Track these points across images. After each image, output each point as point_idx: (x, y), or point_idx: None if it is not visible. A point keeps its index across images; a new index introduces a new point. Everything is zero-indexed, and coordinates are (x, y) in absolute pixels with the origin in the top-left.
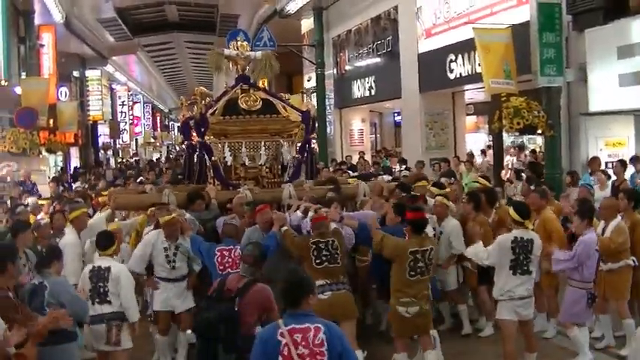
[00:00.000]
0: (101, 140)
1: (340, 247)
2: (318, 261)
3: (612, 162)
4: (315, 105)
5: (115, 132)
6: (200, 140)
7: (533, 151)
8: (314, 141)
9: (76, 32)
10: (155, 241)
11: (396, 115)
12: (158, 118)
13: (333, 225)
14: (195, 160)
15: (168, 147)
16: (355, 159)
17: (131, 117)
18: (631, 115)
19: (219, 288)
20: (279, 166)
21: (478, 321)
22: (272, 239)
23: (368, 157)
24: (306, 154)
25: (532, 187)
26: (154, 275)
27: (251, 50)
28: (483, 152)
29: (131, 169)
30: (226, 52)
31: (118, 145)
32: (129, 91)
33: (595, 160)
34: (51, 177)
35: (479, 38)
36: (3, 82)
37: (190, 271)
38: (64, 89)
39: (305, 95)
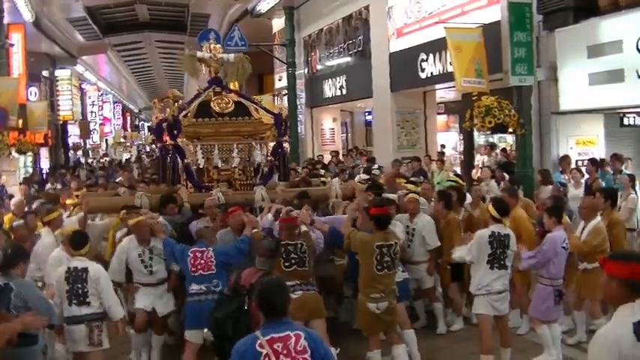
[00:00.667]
0: (71, 140)
1: (308, 251)
2: (287, 264)
3: (582, 160)
4: (287, 105)
5: (86, 132)
6: (173, 142)
7: (504, 150)
8: (286, 143)
9: (45, 31)
10: (128, 247)
11: (366, 114)
12: (128, 117)
13: (303, 227)
14: (168, 162)
15: (138, 147)
16: (327, 158)
17: (101, 117)
18: (601, 114)
19: (234, 284)
20: (252, 169)
21: (446, 316)
22: (245, 242)
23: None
24: (278, 156)
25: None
26: (133, 282)
27: (224, 52)
28: (443, 146)
29: (103, 169)
30: (199, 54)
31: (88, 146)
32: (99, 91)
33: (565, 159)
34: (21, 178)
35: (450, 37)
36: None
37: (169, 272)
38: (33, 89)
39: (277, 97)
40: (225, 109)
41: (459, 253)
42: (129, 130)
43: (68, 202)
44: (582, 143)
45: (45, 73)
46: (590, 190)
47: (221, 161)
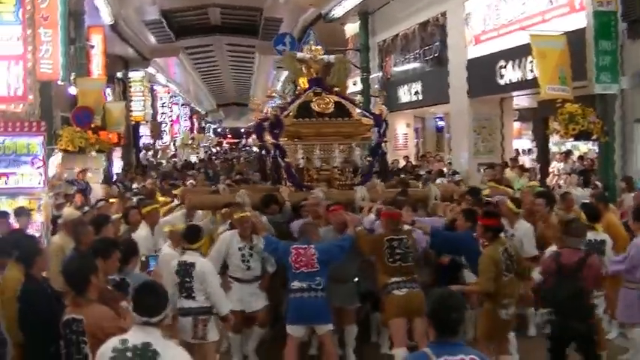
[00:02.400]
0: (142, 141)
1: (413, 246)
2: (391, 259)
3: None
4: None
5: (157, 133)
6: (274, 142)
7: (581, 158)
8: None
9: (121, 34)
10: (230, 240)
11: (437, 120)
12: (195, 120)
13: (405, 227)
14: (269, 161)
15: (204, 149)
16: (402, 163)
17: (171, 118)
18: None
19: (557, 265)
20: (351, 169)
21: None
22: (347, 240)
23: (413, 160)
24: (377, 157)
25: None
26: (228, 275)
27: (325, 54)
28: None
29: (179, 170)
30: (299, 55)
31: (157, 146)
32: (169, 93)
33: None
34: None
35: (535, 45)
36: (60, 82)
37: (264, 272)
38: (108, 90)
39: (377, 98)
40: (325, 110)
41: None
42: (195, 132)
43: (161, 199)
44: None
45: (119, 74)
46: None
47: (321, 161)
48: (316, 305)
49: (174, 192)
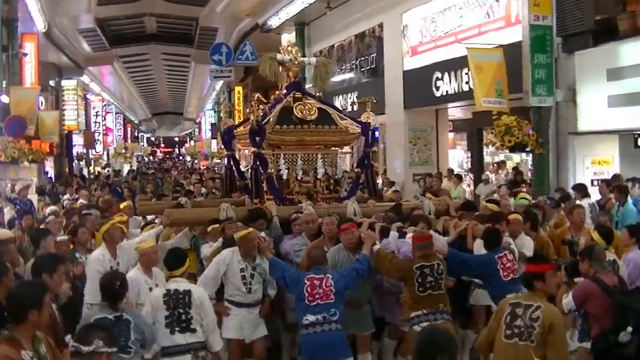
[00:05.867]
0: (75, 150)
1: (445, 272)
2: (421, 288)
3: (598, 180)
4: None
5: (90, 142)
6: (256, 151)
7: (516, 168)
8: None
9: (55, 42)
10: (230, 260)
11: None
12: (129, 128)
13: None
14: (250, 172)
15: (137, 158)
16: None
17: (104, 127)
18: (616, 135)
19: (604, 289)
20: (333, 180)
21: None
22: (364, 262)
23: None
24: (365, 168)
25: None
26: (224, 299)
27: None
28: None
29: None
30: (279, 57)
31: (90, 156)
32: (103, 102)
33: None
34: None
35: (472, 57)
36: None
37: (265, 295)
38: (40, 98)
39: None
40: (307, 116)
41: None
42: (129, 141)
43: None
44: (598, 163)
45: (51, 83)
46: (603, 211)
47: (302, 172)
48: (333, 339)
49: (122, 205)
